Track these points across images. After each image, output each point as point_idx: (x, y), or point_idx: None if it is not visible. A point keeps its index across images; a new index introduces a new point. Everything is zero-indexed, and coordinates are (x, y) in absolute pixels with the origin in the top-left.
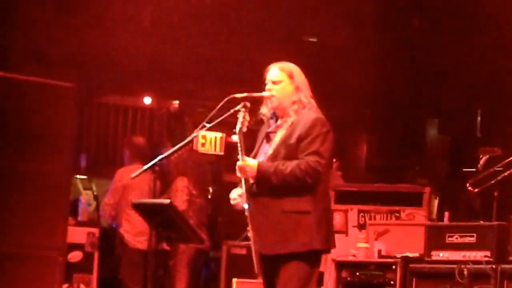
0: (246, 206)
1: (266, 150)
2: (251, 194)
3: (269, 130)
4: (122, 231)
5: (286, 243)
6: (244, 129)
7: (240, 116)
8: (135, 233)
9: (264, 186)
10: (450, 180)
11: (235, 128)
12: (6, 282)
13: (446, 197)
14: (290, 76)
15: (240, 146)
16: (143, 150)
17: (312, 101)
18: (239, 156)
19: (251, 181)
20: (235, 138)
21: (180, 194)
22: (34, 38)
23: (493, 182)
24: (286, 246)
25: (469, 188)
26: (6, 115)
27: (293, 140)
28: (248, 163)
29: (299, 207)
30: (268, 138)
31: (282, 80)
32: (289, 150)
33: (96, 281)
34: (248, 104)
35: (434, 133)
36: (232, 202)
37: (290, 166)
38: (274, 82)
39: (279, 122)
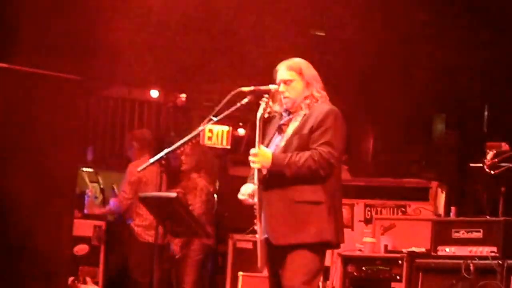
0: (255, 199)
1: (278, 141)
2: (263, 184)
3: (282, 122)
4: (133, 225)
5: (298, 233)
6: (266, 115)
7: (263, 103)
8: (146, 226)
9: (277, 176)
10: (457, 175)
11: (242, 122)
12: (12, 275)
13: (453, 192)
14: (300, 73)
15: (258, 134)
16: (151, 143)
17: (324, 93)
18: (256, 143)
19: (264, 171)
20: (241, 131)
21: (199, 194)
22: (40, 30)
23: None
24: (298, 236)
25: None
26: (12, 107)
27: (305, 131)
28: (263, 152)
29: (311, 197)
30: (280, 130)
31: (292, 79)
32: (302, 140)
33: (102, 274)
34: (273, 90)
35: (442, 127)
36: (240, 196)
37: (303, 157)
38: (285, 82)
39: (291, 115)
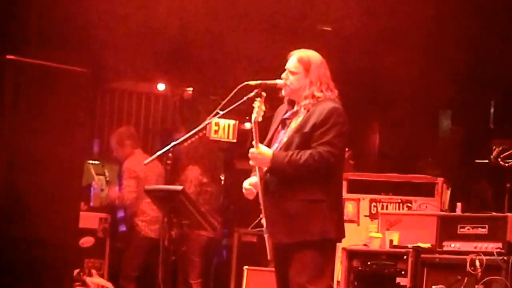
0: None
1: (281, 137)
2: (264, 182)
3: (285, 116)
4: (137, 220)
5: (300, 232)
6: (260, 119)
7: (256, 105)
8: (148, 221)
9: (278, 175)
10: (463, 171)
11: (248, 116)
12: (17, 267)
13: (459, 188)
14: (307, 69)
15: (255, 136)
16: (135, 135)
17: (328, 93)
18: (254, 143)
19: (265, 169)
20: (248, 125)
21: (188, 186)
22: (48, 22)
23: None
24: (300, 234)
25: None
26: (20, 99)
27: (307, 128)
28: (262, 151)
29: (312, 196)
30: (283, 124)
31: (298, 72)
32: (303, 138)
33: (108, 266)
34: (264, 94)
35: (448, 124)
36: (244, 191)
37: (303, 156)
38: (290, 72)
39: (295, 108)
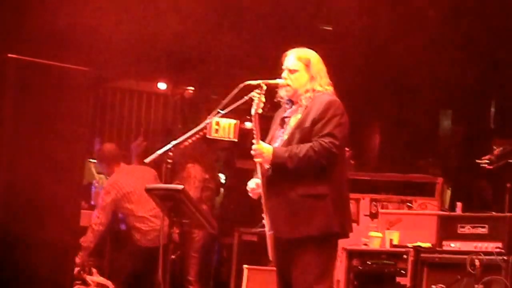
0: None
1: (281, 135)
2: (266, 179)
3: (284, 115)
4: (133, 231)
5: (303, 227)
6: (260, 111)
7: (255, 98)
8: (144, 233)
9: (280, 171)
10: (463, 171)
11: (249, 114)
12: (18, 266)
13: (459, 187)
14: (307, 65)
15: (255, 129)
16: (118, 153)
17: (328, 88)
18: (254, 139)
19: (267, 166)
20: (249, 124)
21: (193, 181)
22: (49, 21)
23: None
24: (303, 229)
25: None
26: (21, 97)
27: (307, 123)
28: (263, 147)
29: (316, 191)
30: (283, 123)
31: (298, 69)
32: (304, 134)
33: (108, 265)
34: (263, 86)
35: (448, 123)
36: (249, 191)
37: (304, 149)
38: (290, 71)
39: (294, 107)
